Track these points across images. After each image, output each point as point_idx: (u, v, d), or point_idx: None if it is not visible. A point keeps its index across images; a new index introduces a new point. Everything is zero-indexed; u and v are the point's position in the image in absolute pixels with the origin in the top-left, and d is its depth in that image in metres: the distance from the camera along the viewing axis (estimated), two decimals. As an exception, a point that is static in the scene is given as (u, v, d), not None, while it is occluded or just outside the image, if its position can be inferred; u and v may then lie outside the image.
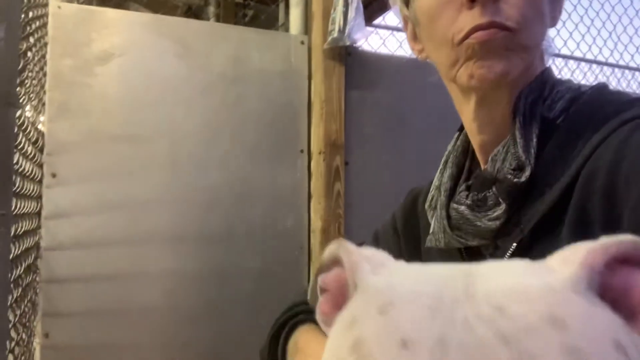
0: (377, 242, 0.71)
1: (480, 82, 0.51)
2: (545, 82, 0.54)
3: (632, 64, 2.47)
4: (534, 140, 0.51)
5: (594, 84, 0.55)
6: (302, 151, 1.47)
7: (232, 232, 1.38)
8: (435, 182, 0.63)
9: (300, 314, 0.66)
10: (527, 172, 0.50)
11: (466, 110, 0.57)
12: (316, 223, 1.45)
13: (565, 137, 0.50)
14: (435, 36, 0.54)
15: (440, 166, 0.64)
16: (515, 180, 0.50)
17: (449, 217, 0.57)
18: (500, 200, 0.51)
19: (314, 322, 0.53)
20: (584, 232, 0.45)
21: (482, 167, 0.58)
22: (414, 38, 0.60)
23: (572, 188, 0.47)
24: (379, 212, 0.98)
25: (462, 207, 0.55)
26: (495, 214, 0.52)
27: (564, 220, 0.47)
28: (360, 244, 0.74)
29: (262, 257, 1.39)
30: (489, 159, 0.54)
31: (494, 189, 0.52)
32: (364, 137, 1.51)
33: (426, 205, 0.63)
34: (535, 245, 0.49)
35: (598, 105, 0.51)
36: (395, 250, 0.68)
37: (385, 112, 1.55)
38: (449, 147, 0.64)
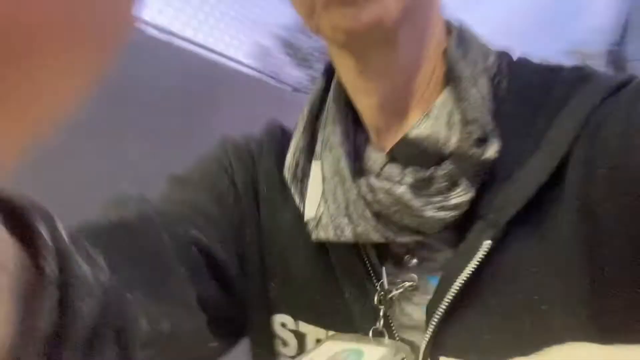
0: (184, 187, 0.47)
1: (347, 35, 0.37)
2: (463, 35, 0.43)
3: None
4: (490, 102, 0.39)
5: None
6: None
7: None
8: (299, 142, 0.46)
9: None
10: (496, 146, 0.38)
11: (345, 68, 0.43)
12: None
13: (516, 106, 0.40)
14: None
15: (304, 120, 0.46)
16: (484, 157, 0.37)
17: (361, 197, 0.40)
18: (464, 182, 0.38)
19: None
20: (593, 225, 0.34)
21: (373, 129, 0.43)
22: None
23: (560, 170, 0.36)
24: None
25: (401, 188, 0.38)
26: (455, 201, 0.38)
27: (546, 209, 0.36)
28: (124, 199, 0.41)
29: None
30: (422, 120, 0.40)
31: (447, 165, 0.38)
32: None
33: (287, 174, 0.45)
34: (513, 244, 0.37)
35: (544, 72, 0.41)
36: (231, 208, 0.46)
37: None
38: (312, 98, 0.47)
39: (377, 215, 0.39)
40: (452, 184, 0.38)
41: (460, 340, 0.36)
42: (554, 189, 0.36)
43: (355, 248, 0.42)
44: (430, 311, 0.38)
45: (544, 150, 0.37)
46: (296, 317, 0.45)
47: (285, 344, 0.45)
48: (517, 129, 0.39)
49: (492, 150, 0.38)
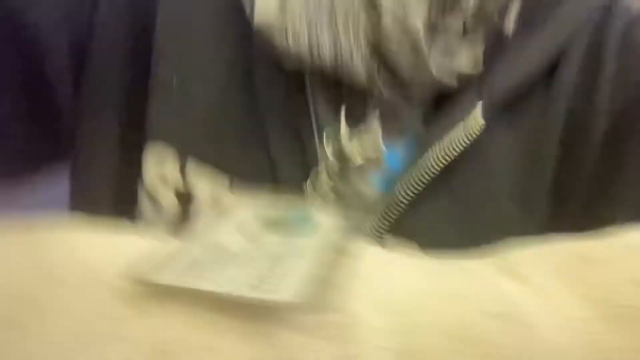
0: None
1: None
2: None
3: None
4: None
5: None
6: None
7: None
8: None
9: None
10: (513, 23, 0.32)
11: None
12: None
13: None
14: None
15: None
16: (503, 29, 0.32)
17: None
18: (479, 37, 0.32)
19: None
20: (574, 130, 0.33)
21: None
22: None
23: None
24: None
25: (418, 21, 0.29)
26: (466, 57, 0.31)
27: (536, 101, 0.33)
28: None
29: None
30: None
31: (466, 16, 0.31)
32: None
33: None
34: (496, 131, 0.32)
35: None
36: None
37: None
38: None
39: (371, 44, 0.30)
40: (464, 37, 0.31)
41: (413, 224, 0.32)
42: (547, 82, 0.33)
43: (298, 81, 0.31)
44: (393, 188, 0.31)
45: (543, 38, 0.33)
46: (185, 150, 0.32)
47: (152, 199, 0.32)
48: (523, 8, 0.33)
49: (510, 25, 0.32)
